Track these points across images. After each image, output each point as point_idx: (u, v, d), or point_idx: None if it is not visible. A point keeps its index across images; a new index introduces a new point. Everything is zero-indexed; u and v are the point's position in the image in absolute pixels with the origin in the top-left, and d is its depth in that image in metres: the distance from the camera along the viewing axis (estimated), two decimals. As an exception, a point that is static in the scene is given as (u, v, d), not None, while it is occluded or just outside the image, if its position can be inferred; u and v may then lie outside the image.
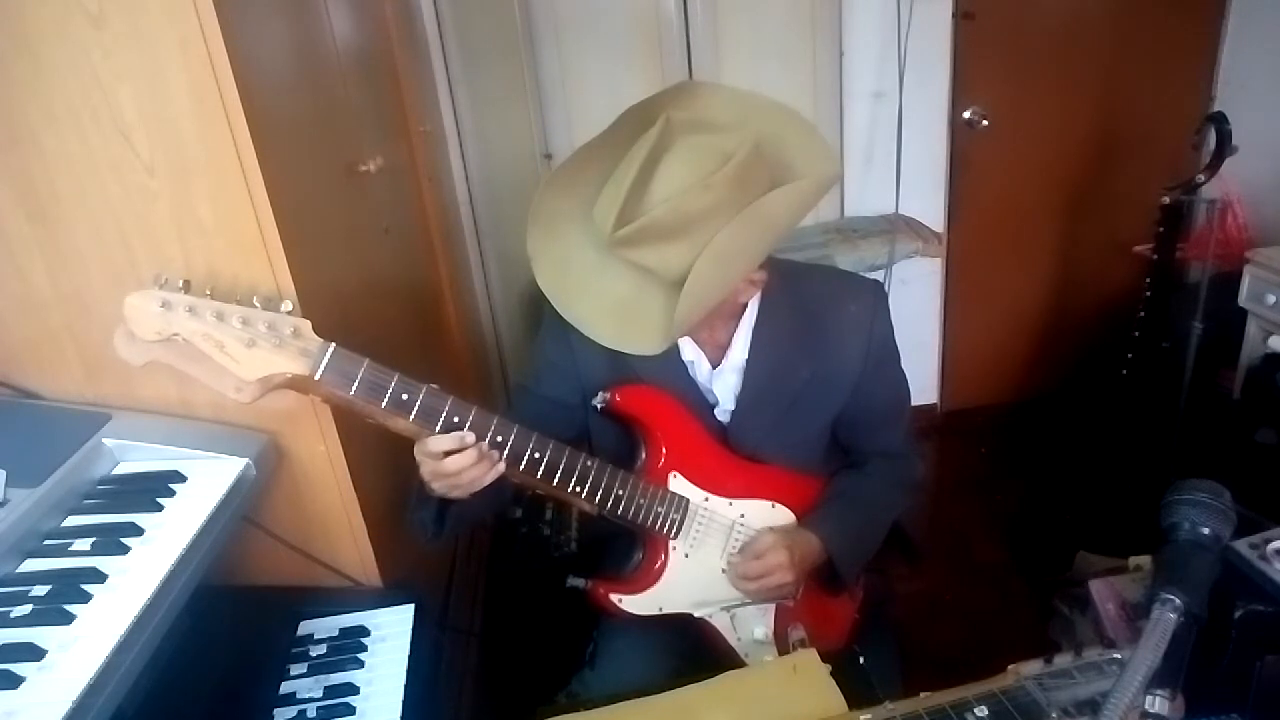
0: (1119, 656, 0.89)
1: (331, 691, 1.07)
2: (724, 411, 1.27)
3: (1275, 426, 2.10)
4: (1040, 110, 2.75)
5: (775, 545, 1.21)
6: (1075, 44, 2.69)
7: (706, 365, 1.25)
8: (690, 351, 1.23)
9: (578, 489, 1.13)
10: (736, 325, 1.22)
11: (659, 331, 1.01)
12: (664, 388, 1.23)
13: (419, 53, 2.35)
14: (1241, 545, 1.36)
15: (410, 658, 1.12)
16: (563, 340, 1.24)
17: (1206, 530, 0.75)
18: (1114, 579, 1.70)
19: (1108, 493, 2.38)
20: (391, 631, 1.17)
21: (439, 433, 1.02)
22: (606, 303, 1.03)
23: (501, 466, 1.05)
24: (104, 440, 1.04)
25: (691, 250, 0.98)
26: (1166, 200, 2.22)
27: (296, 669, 1.11)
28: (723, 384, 1.26)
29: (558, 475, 1.11)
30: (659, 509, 1.20)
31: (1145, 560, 1.71)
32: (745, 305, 1.21)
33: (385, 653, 1.13)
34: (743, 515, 1.25)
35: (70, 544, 0.91)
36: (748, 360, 1.23)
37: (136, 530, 0.93)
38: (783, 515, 1.28)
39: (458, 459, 1.02)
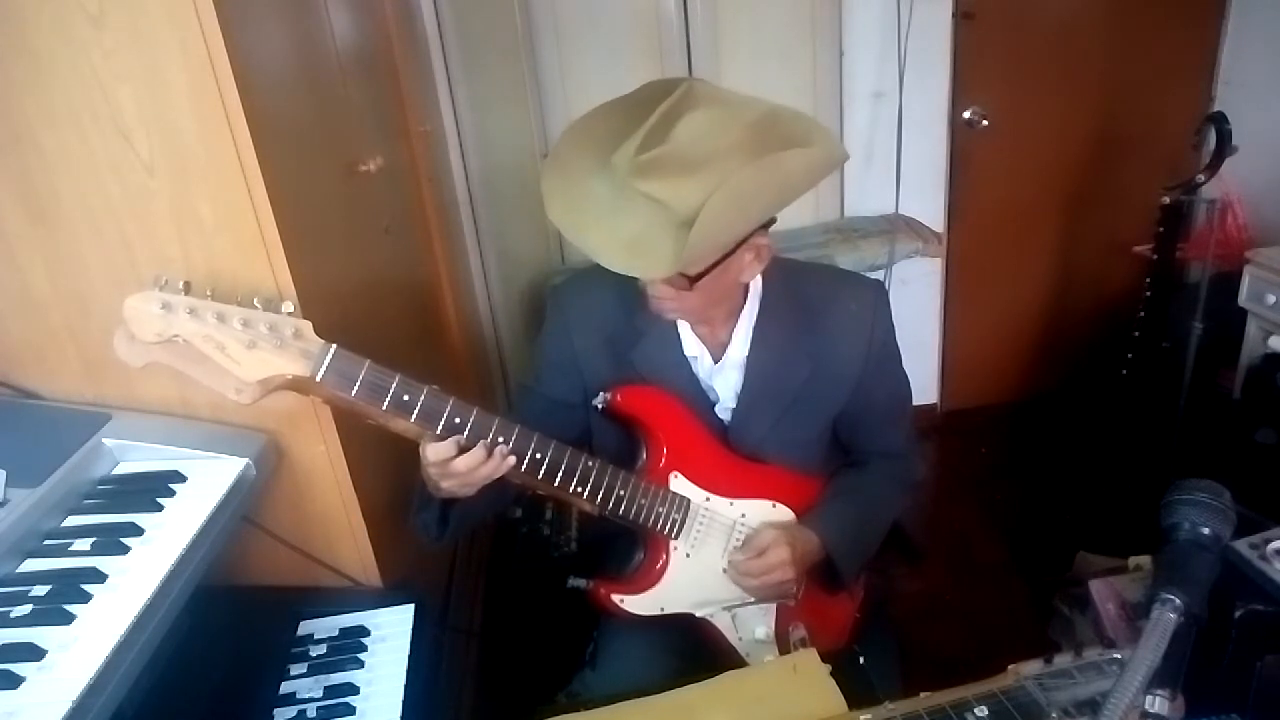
0: (1119, 656, 0.89)
1: (331, 691, 1.07)
2: (725, 410, 1.28)
3: (1275, 426, 2.10)
4: (1040, 110, 2.75)
5: (777, 541, 1.21)
6: (1075, 44, 2.70)
7: (708, 361, 1.25)
8: (693, 347, 1.24)
9: (579, 489, 1.13)
10: (736, 322, 1.22)
11: (669, 262, 1.01)
12: (666, 385, 1.23)
13: (419, 53, 2.35)
14: (1241, 545, 1.37)
15: (410, 658, 1.12)
16: (564, 339, 1.25)
17: (1206, 530, 0.75)
18: (1114, 579, 1.70)
19: (1108, 493, 2.38)
20: (391, 631, 1.17)
21: (440, 433, 1.02)
22: (618, 238, 1.04)
23: (511, 460, 1.06)
24: (104, 440, 1.04)
25: (706, 187, 0.99)
26: (1166, 200, 2.22)
27: (296, 669, 1.11)
28: (724, 381, 1.26)
29: (559, 476, 1.11)
30: (660, 509, 1.20)
31: (1145, 560, 1.72)
32: (746, 293, 1.21)
33: (385, 653, 1.13)
34: (743, 515, 1.25)
35: (70, 544, 0.91)
36: (748, 357, 1.23)
37: (136, 530, 0.93)
38: (783, 515, 1.28)
39: (465, 459, 1.02)
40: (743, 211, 1.04)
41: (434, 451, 1.02)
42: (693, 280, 1.07)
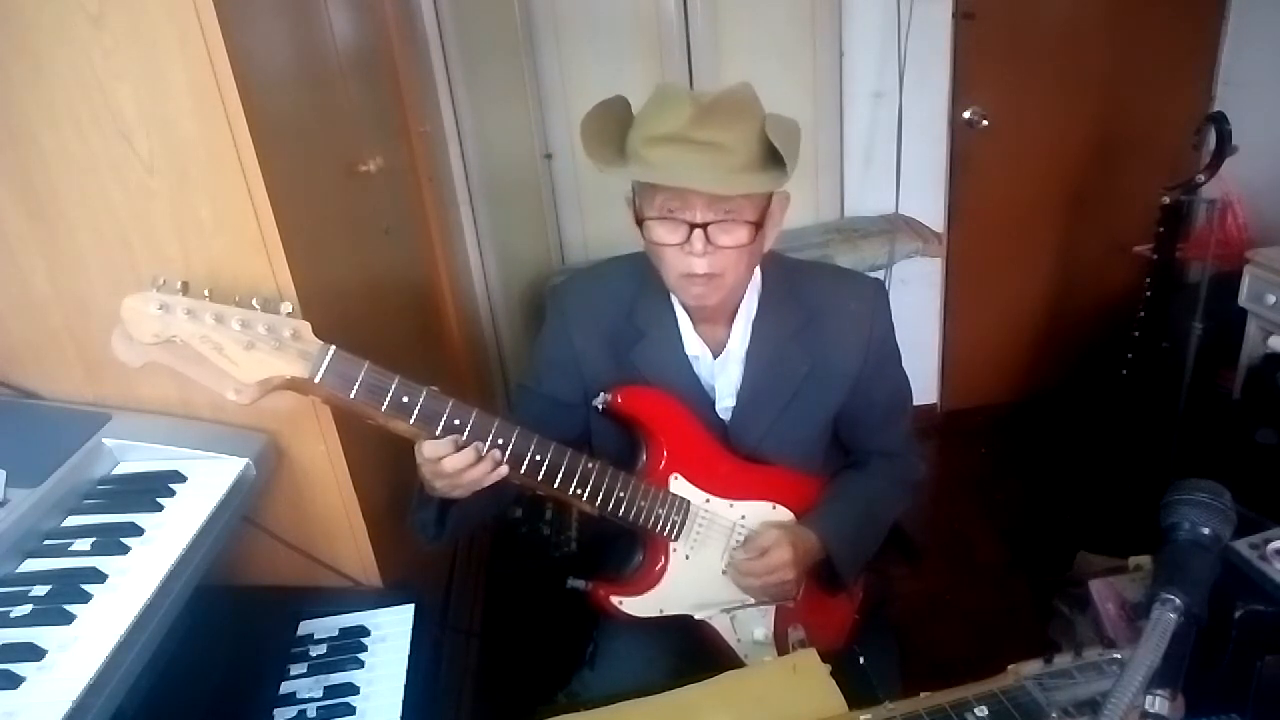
0: (1119, 656, 0.89)
1: (331, 691, 1.07)
2: (725, 408, 1.27)
3: (1275, 426, 2.10)
4: (1040, 110, 2.75)
5: (779, 542, 1.21)
6: (1075, 44, 2.70)
7: (709, 359, 1.25)
8: (695, 347, 1.24)
9: (579, 491, 1.13)
10: (735, 317, 1.23)
11: (745, 184, 1.06)
12: (667, 385, 1.23)
13: (419, 53, 2.35)
14: (1241, 545, 1.37)
15: (410, 658, 1.12)
16: (564, 339, 1.25)
17: (1206, 530, 0.75)
18: (1114, 579, 1.70)
19: (1108, 493, 2.38)
20: (391, 631, 1.17)
21: (440, 435, 1.02)
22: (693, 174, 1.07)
23: (504, 469, 1.05)
24: (104, 440, 1.04)
25: (753, 125, 1.07)
26: (1166, 200, 2.22)
27: (296, 669, 1.11)
28: (725, 377, 1.26)
29: (559, 478, 1.11)
30: (660, 511, 1.20)
31: (1145, 560, 1.72)
32: (746, 287, 1.21)
33: (385, 653, 1.13)
34: (743, 517, 1.25)
35: (70, 544, 0.91)
36: (748, 351, 1.23)
37: (136, 530, 0.93)
38: (783, 517, 1.28)
39: (455, 459, 1.02)
40: (793, 138, 1.09)
41: (430, 449, 1.02)
42: (756, 226, 1.10)
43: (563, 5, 2.51)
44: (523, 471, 1.08)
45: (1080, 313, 2.97)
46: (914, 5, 2.53)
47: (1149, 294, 2.29)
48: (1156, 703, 0.69)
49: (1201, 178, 2.20)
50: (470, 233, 2.68)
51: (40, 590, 0.85)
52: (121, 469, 1.04)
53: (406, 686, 1.08)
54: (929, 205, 2.81)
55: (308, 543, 1.21)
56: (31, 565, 0.89)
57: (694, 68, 2.58)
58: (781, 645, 1.27)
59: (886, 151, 2.71)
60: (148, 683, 0.86)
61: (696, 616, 1.24)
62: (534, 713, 1.12)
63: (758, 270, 1.21)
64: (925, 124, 2.72)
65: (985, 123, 2.71)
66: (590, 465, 1.13)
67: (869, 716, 0.87)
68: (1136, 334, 2.35)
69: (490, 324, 2.80)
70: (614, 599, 1.22)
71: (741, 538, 1.25)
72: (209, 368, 0.93)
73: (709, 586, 1.25)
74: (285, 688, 1.08)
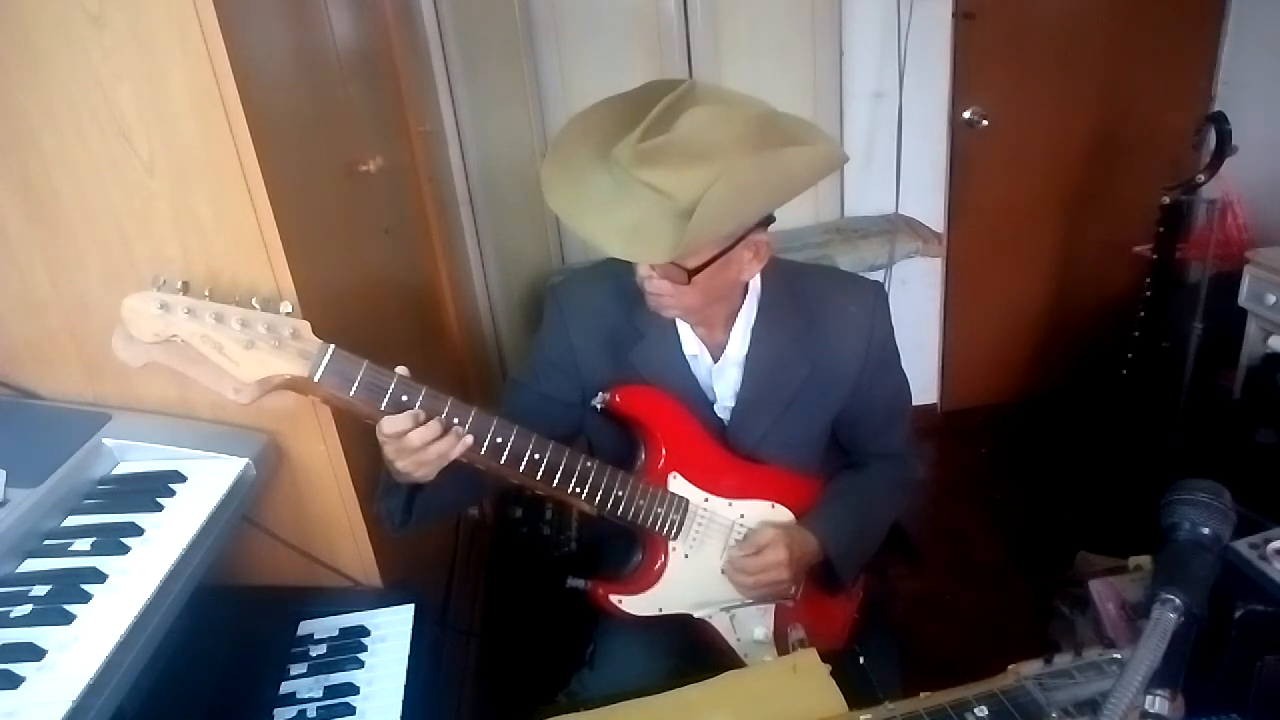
0: (1119, 656, 0.89)
1: (331, 691, 1.07)
2: (724, 409, 1.28)
3: (1275, 426, 2.10)
4: (1040, 110, 2.75)
5: (775, 541, 1.21)
6: (1075, 44, 2.70)
7: (708, 360, 1.25)
8: (693, 346, 1.24)
9: (577, 490, 1.13)
10: (734, 322, 1.23)
11: (667, 249, 1.01)
12: (665, 385, 1.23)
13: (419, 53, 2.35)
14: (1241, 545, 1.37)
15: (410, 658, 1.12)
16: (563, 337, 1.25)
17: (1206, 530, 0.75)
18: (1114, 579, 1.70)
19: (1108, 493, 2.38)
20: (391, 631, 1.17)
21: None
22: (616, 226, 1.03)
23: (469, 440, 1.03)
24: (104, 440, 1.04)
25: (708, 177, 0.99)
26: (1166, 200, 2.22)
27: (296, 669, 1.11)
28: (724, 381, 1.26)
29: (558, 476, 1.11)
30: (659, 509, 1.20)
31: (1145, 560, 1.72)
32: (745, 293, 1.21)
33: (385, 653, 1.13)
34: (742, 516, 1.25)
35: (70, 544, 0.91)
36: (747, 356, 1.23)
37: (136, 530, 0.93)
38: (782, 516, 1.28)
39: (421, 432, 1.00)
40: (743, 203, 1.04)
41: (389, 424, 0.99)
42: (691, 274, 1.07)
43: (563, 5, 2.51)
44: (522, 470, 1.08)
45: (1080, 313, 2.97)
46: (914, 5, 2.53)
47: (1149, 294, 2.29)
48: (1156, 703, 0.69)
49: (1201, 178, 2.20)
50: (470, 233, 2.68)
51: (40, 590, 0.85)
52: (121, 469, 1.04)
53: (406, 686, 1.08)
54: (929, 205, 2.81)
55: (307, 543, 1.21)
56: (31, 565, 0.89)
57: (694, 68, 2.58)
58: (781, 645, 1.27)
59: (886, 151, 2.71)
60: (148, 683, 0.86)
61: (696, 615, 1.24)
62: (534, 713, 1.12)
63: (757, 276, 1.21)
64: (925, 124, 2.72)
65: (985, 123, 2.70)
66: (589, 464, 1.13)
67: (869, 716, 0.87)
68: (1136, 334, 2.35)
69: (490, 323, 2.80)
70: (613, 598, 1.22)
71: (741, 537, 1.25)
72: (209, 367, 0.93)
73: (708, 585, 1.25)
74: (285, 688, 1.08)
